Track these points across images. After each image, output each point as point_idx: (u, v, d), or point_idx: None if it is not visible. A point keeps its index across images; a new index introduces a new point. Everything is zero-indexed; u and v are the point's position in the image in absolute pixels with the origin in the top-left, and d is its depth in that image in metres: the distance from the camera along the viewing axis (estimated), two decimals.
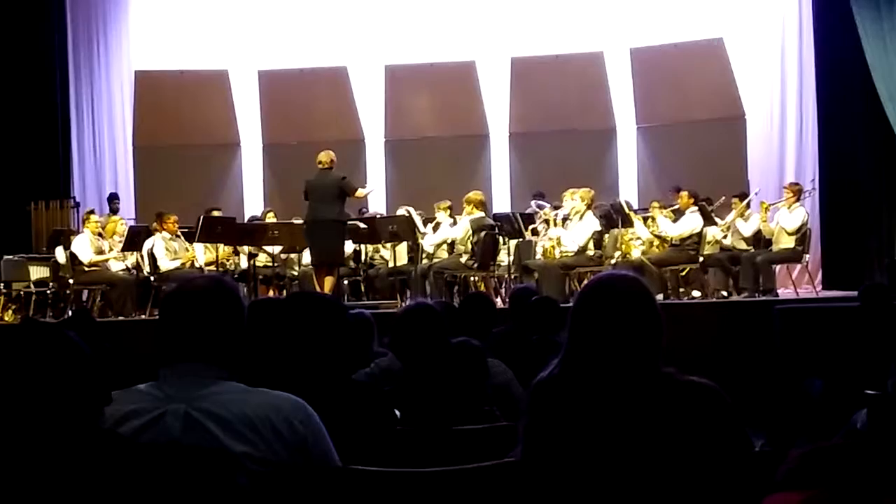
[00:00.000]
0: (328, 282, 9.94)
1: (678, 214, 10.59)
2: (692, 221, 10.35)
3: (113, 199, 13.06)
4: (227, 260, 10.97)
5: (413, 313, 3.74)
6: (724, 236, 10.95)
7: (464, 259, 10.51)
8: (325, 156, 9.99)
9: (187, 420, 2.15)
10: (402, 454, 2.79)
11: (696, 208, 10.40)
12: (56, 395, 1.73)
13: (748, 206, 11.05)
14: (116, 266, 10.87)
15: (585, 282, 10.14)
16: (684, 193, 10.58)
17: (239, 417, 2.17)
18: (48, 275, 11.21)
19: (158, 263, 10.55)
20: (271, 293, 10.65)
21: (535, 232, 10.79)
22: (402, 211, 10.94)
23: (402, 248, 11.07)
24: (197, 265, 10.69)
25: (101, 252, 10.62)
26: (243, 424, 2.16)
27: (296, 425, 2.22)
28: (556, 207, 10.90)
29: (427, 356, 3.49)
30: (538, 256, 10.60)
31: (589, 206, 10.32)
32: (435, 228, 11.06)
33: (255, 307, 3.23)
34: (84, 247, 10.49)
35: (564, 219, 10.54)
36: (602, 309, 2.35)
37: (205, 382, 2.20)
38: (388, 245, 11.00)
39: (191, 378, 2.21)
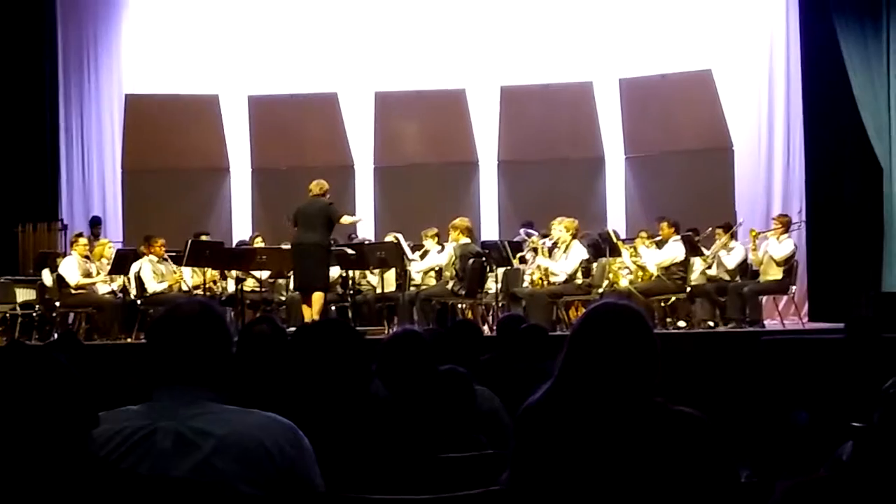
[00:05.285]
0: (316, 302, 9.85)
1: (661, 244, 10.61)
2: (672, 251, 10.37)
3: (95, 223, 12.93)
4: (215, 284, 10.95)
5: (400, 340, 3.73)
6: (709, 266, 10.96)
7: (450, 285, 10.50)
8: (315, 185, 10.02)
9: (178, 438, 2.16)
10: (389, 481, 2.79)
11: (679, 237, 10.43)
12: (43, 418, 1.72)
13: (732, 236, 11.07)
14: (103, 289, 10.84)
15: (573, 310, 10.06)
16: (664, 223, 10.60)
17: (229, 437, 2.17)
18: (34, 297, 11.16)
19: (146, 286, 10.52)
20: None
21: (522, 260, 10.80)
22: (390, 237, 10.95)
23: (390, 274, 11.08)
24: (184, 288, 10.66)
25: (88, 275, 10.59)
26: (233, 444, 2.17)
27: (285, 448, 2.23)
28: (545, 236, 10.92)
29: (414, 383, 3.49)
30: (526, 284, 10.60)
31: (574, 236, 10.34)
32: (423, 256, 11.07)
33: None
34: (71, 269, 10.45)
35: (552, 248, 10.54)
36: (604, 335, 2.38)
37: (196, 403, 2.22)
38: (376, 271, 11.00)
39: (182, 398, 2.22)
